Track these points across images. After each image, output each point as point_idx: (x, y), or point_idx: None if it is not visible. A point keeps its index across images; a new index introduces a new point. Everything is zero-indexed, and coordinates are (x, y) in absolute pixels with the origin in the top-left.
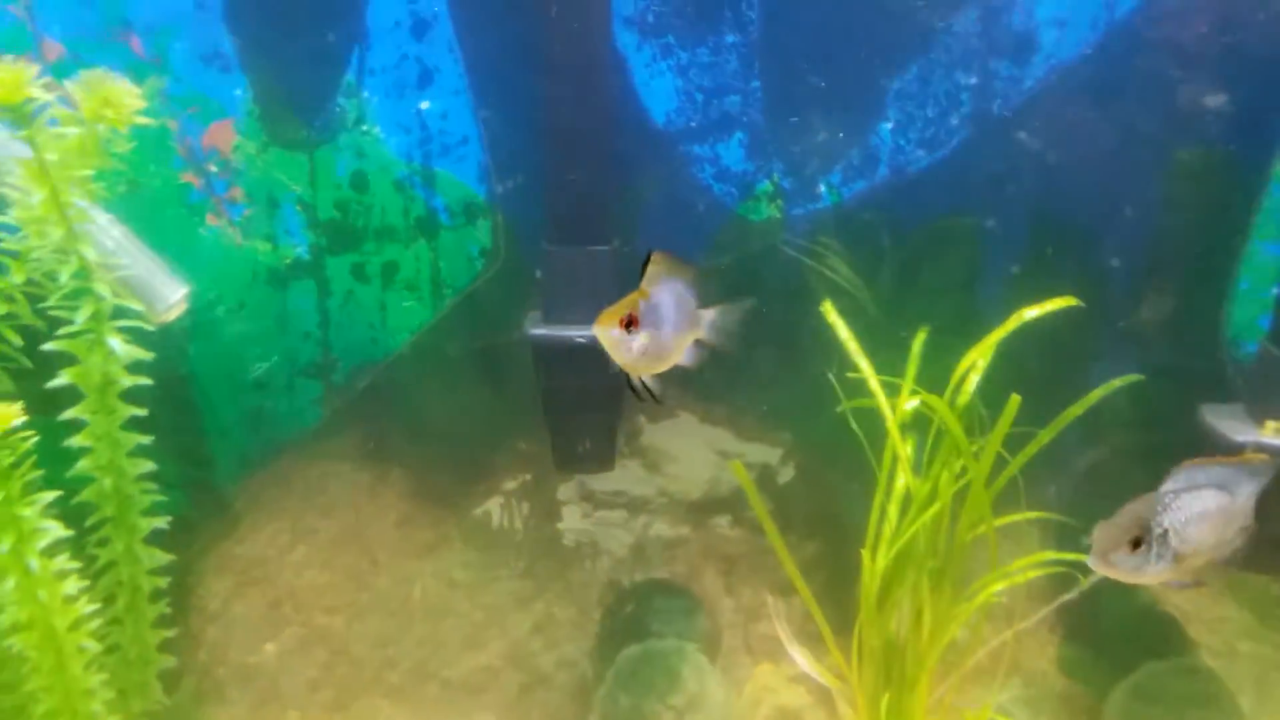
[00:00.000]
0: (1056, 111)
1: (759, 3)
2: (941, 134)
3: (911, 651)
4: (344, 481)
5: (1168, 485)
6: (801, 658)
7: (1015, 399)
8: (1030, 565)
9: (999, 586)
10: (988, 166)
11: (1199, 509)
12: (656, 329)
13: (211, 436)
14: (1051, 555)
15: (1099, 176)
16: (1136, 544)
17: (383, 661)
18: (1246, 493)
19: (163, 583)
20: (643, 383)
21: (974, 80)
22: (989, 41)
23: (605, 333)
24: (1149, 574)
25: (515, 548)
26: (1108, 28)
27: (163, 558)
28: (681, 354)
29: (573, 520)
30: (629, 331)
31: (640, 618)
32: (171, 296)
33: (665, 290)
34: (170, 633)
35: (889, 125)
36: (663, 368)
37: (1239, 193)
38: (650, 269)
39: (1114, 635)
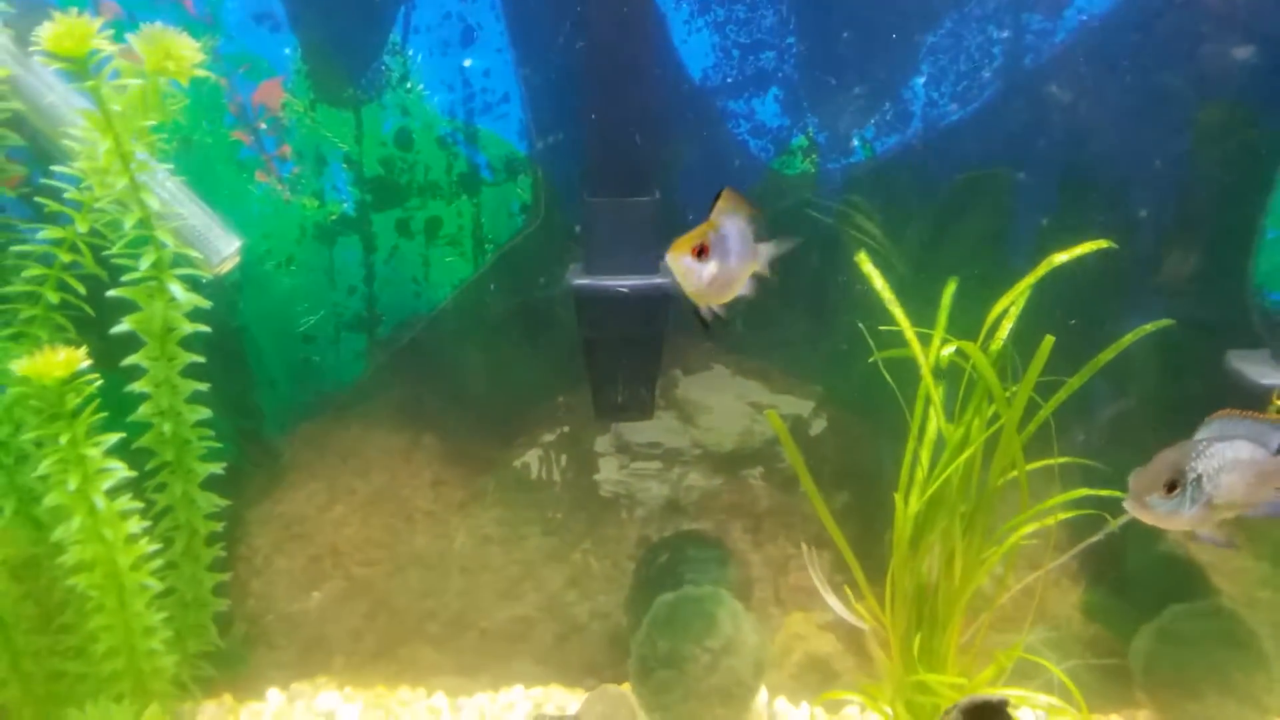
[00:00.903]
0: (1087, 65)
1: None
2: (974, 88)
3: (943, 594)
4: (380, 445)
5: (1201, 433)
6: (835, 601)
7: (1049, 339)
8: (1062, 504)
9: (1030, 529)
10: (1019, 119)
11: (1232, 456)
12: (724, 259)
13: (261, 388)
14: (1085, 492)
15: (1128, 129)
16: (1171, 487)
17: (422, 613)
18: (1275, 447)
19: (218, 527)
20: (711, 311)
21: (1006, 34)
22: None
23: (678, 260)
24: (1183, 519)
25: (553, 499)
26: None
27: (219, 502)
28: (743, 284)
29: (609, 472)
30: (700, 259)
31: (674, 568)
32: (226, 249)
33: (731, 224)
34: (225, 576)
35: (922, 79)
36: (728, 297)
37: (1265, 143)
38: (720, 203)
39: (1137, 581)
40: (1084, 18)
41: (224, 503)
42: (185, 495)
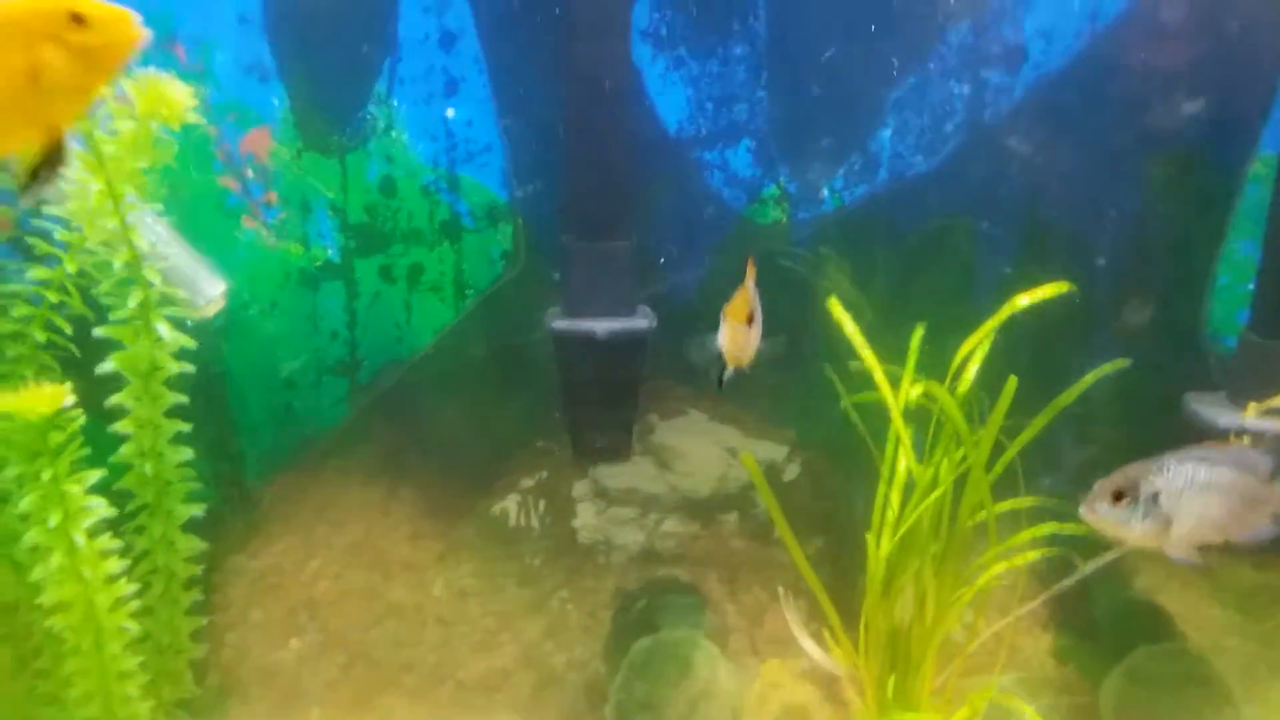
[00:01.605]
0: (1044, 118)
1: (765, 16)
2: (937, 140)
3: (916, 636)
4: (357, 497)
5: (1176, 453)
6: (811, 645)
7: (1012, 381)
8: (1030, 543)
9: (1000, 569)
10: (981, 171)
11: (1202, 479)
12: (758, 322)
13: (242, 432)
14: (1052, 527)
15: (1085, 180)
16: (1119, 497)
17: (399, 664)
18: (1269, 475)
19: (197, 571)
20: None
21: (967, 89)
22: (981, 53)
23: (737, 327)
24: (1135, 531)
25: (531, 547)
26: (1091, 38)
27: (198, 545)
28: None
29: (587, 518)
30: (749, 324)
31: (651, 615)
32: (212, 291)
33: (754, 288)
34: (202, 622)
35: (888, 132)
36: (752, 355)
37: (1216, 193)
38: (750, 269)
39: (1105, 625)
40: (1040, 74)
41: (203, 545)
42: (165, 538)
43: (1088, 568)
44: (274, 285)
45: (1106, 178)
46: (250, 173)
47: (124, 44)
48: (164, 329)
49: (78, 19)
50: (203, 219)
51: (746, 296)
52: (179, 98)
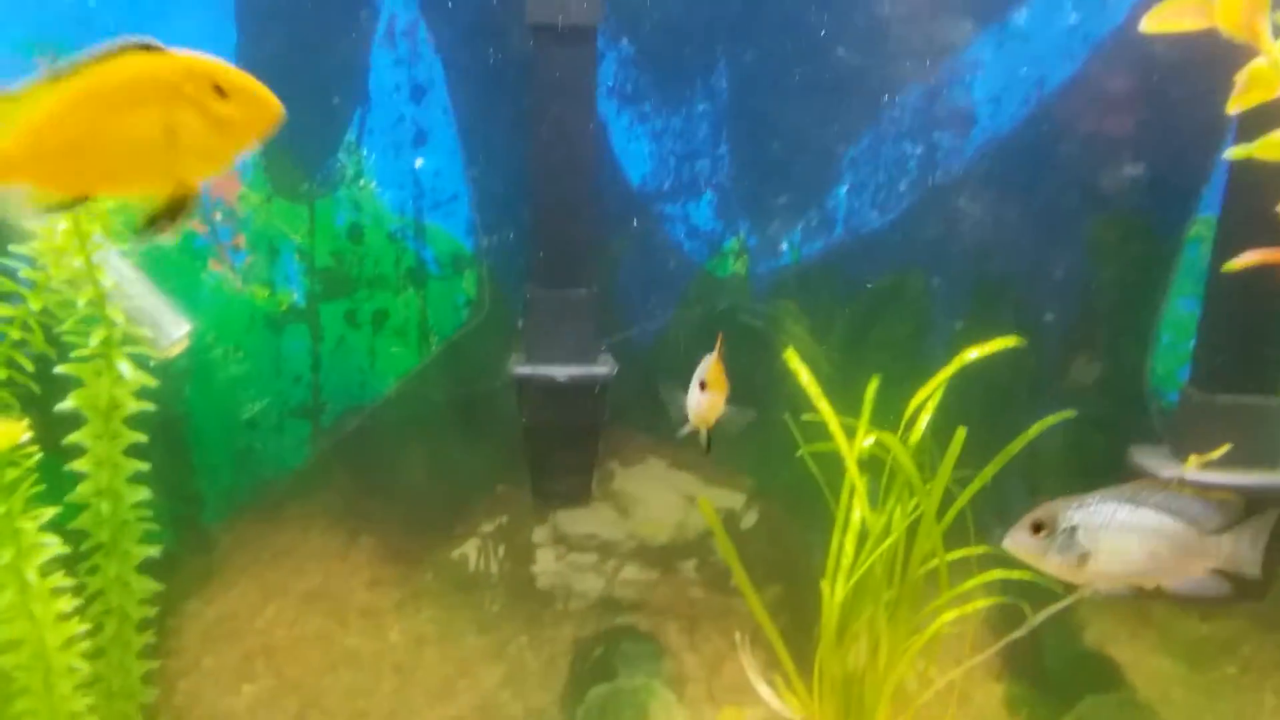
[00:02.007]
0: (993, 179)
1: (727, 75)
2: (891, 198)
3: (869, 682)
4: (317, 543)
5: (1104, 491)
6: (767, 692)
7: (961, 431)
8: (982, 592)
9: (951, 616)
10: (933, 228)
11: (1122, 519)
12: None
13: (202, 474)
14: (999, 574)
15: (1033, 239)
16: (1037, 529)
17: (353, 713)
18: (1213, 528)
19: (151, 613)
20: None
21: (920, 150)
22: (932, 115)
23: (716, 396)
24: (1050, 563)
25: (490, 591)
26: (1038, 104)
27: (153, 586)
28: None
29: (546, 563)
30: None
31: (608, 662)
32: (176, 332)
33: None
34: (154, 665)
35: (844, 189)
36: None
37: (1158, 254)
38: (719, 343)
39: (1056, 674)
40: (989, 137)
41: (158, 587)
42: (119, 578)
43: (1037, 618)
44: (239, 328)
45: (1053, 237)
46: (219, 216)
47: (260, 121)
48: (125, 367)
49: (220, 90)
50: (170, 261)
51: (721, 368)
52: None
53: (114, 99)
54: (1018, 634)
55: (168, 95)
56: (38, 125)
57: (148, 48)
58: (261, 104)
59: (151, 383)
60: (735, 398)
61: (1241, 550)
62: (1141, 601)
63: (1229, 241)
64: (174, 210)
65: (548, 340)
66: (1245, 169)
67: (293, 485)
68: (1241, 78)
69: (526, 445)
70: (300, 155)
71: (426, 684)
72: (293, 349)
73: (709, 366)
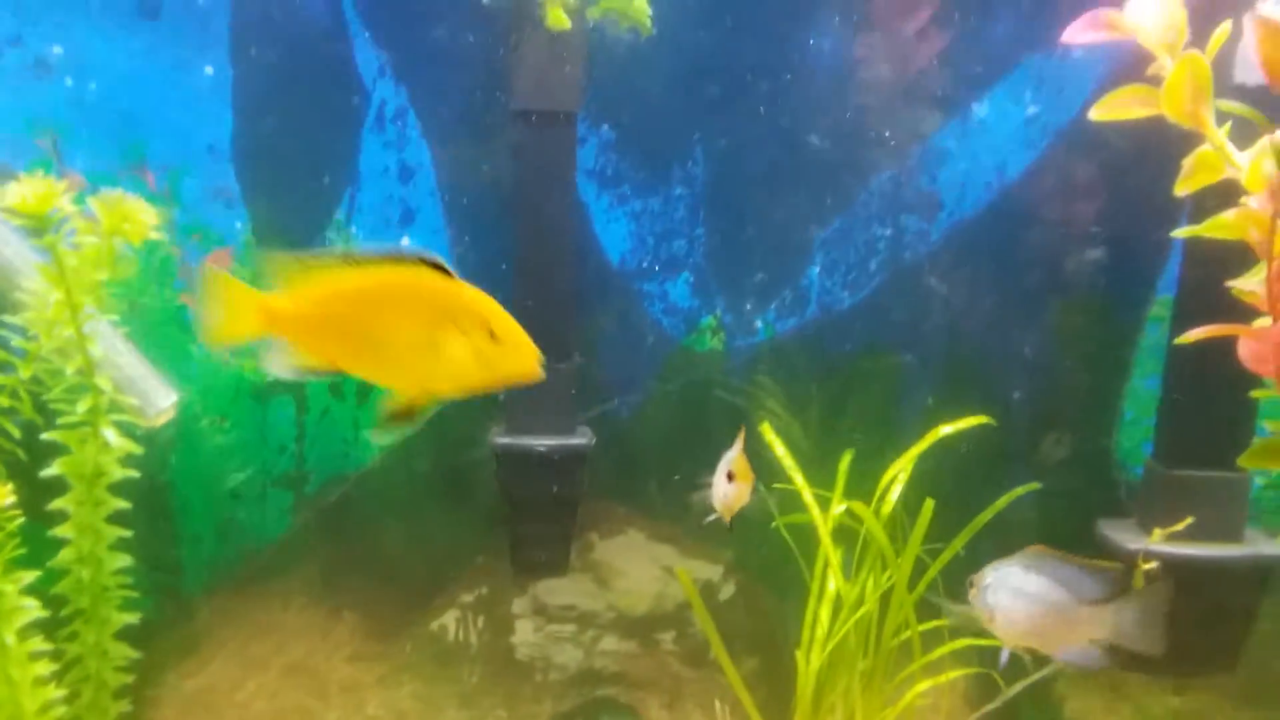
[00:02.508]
0: (959, 260)
1: (703, 160)
2: (862, 278)
3: None
4: (297, 618)
5: (1017, 555)
6: None
7: (929, 502)
8: (952, 660)
9: (924, 686)
10: (903, 307)
11: (1014, 583)
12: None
13: (184, 543)
14: (969, 641)
15: (999, 319)
16: (971, 586)
17: None
18: (1095, 598)
19: (128, 680)
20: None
21: (888, 232)
22: (900, 200)
23: (746, 487)
24: (984, 619)
25: (469, 663)
26: (1000, 190)
27: (130, 654)
28: None
29: (525, 634)
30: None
31: None
32: (163, 402)
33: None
34: None
35: (816, 269)
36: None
37: (1120, 334)
38: (741, 435)
39: None
40: (954, 219)
41: (135, 654)
42: (97, 645)
43: (1011, 691)
44: (225, 398)
45: (1019, 317)
46: None
47: (519, 371)
48: (111, 434)
49: (493, 334)
50: (161, 333)
51: (746, 459)
52: (143, 217)
53: (395, 303)
54: (992, 706)
55: (444, 320)
56: (319, 297)
57: (439, 267)
58: (525, 357)
59: (137, 450)
60: (713, 470)
61: (1125, 622)
62: (1117, 675)
63: (1185, 319)
64: (412, 413)
65: (528, 412)
66: (1197, 248)
67: (275, 556)
68: (1188, 163)
69: (506, 516)
70: (290, 232)
71: None
72: (278, 419)
73: (735, 459)
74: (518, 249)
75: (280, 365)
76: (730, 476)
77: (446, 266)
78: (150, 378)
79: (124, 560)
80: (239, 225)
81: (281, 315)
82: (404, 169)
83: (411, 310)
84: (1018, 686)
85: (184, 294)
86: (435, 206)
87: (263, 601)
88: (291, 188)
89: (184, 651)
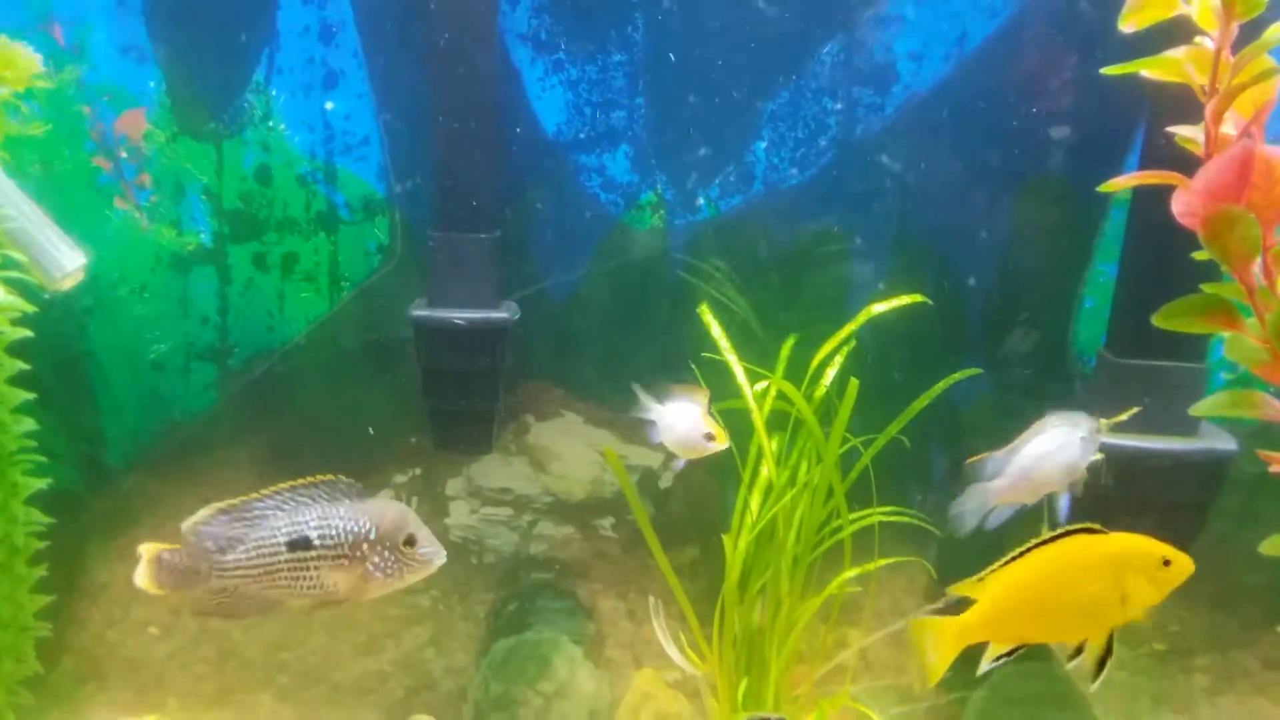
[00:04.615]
0: (914, 137)
1: (643, 25)
2: (811, 154)
3: (771, 640)
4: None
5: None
6: (674, 651)
7: (854, 383)
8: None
9: (852, 573)
10: (853, 186)
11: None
12: None
13: (106, 414)
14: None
15: (955, 200)
16: None
17: (274, 665)
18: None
19: (41, 545)
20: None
21: (839, 106)
22: (852, 71)
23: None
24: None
25: None
26: (959, 61)
27: (42, 519)
28: None
29: (460, 516)
30: None
31: (524, 618)
32: (69, 265)
33: None
34: (47, 599)
35: (763, 144)
36: None
37: (1083, 218)
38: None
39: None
40: (910, 93)
41: (49, 520)
42: (5, 509)
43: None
44: (144, 267)
45: (977, 199)
46: (124, 154)
47: (1177, 577)
48: (2, 293)
49: (1166, 562)
50: (74, 196)
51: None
52: (23, 62)
53: (1069, 574)
54: (932, 608)
55: (1122, 569)
56: (997, 599)
57: (1092, 530)
58: (1186, 571)
59: (29, 308)
60: (654, 353)
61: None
62: None
63: (1143, 202)
64: (1108, 652)
65: (448, 283)
66: (1160, 119)
67: (200, 430)
68: None
69: (425, 390)
70: (206, 94)
71: (354, 639)
72: (200, 290)
73: (709, 419)
74: (436, 113)
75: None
76: (710, 437)
77: (1096, 527)
78: (57, 240)
79: (28, 424)
80: (152, 85)
81: (975, 629)
82: (325, 28)
83: (1085, 574)
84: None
85: (97, 156)
86: (359, 69)
87: (190, 479)
88: (206, 45)
89: (113, 529)
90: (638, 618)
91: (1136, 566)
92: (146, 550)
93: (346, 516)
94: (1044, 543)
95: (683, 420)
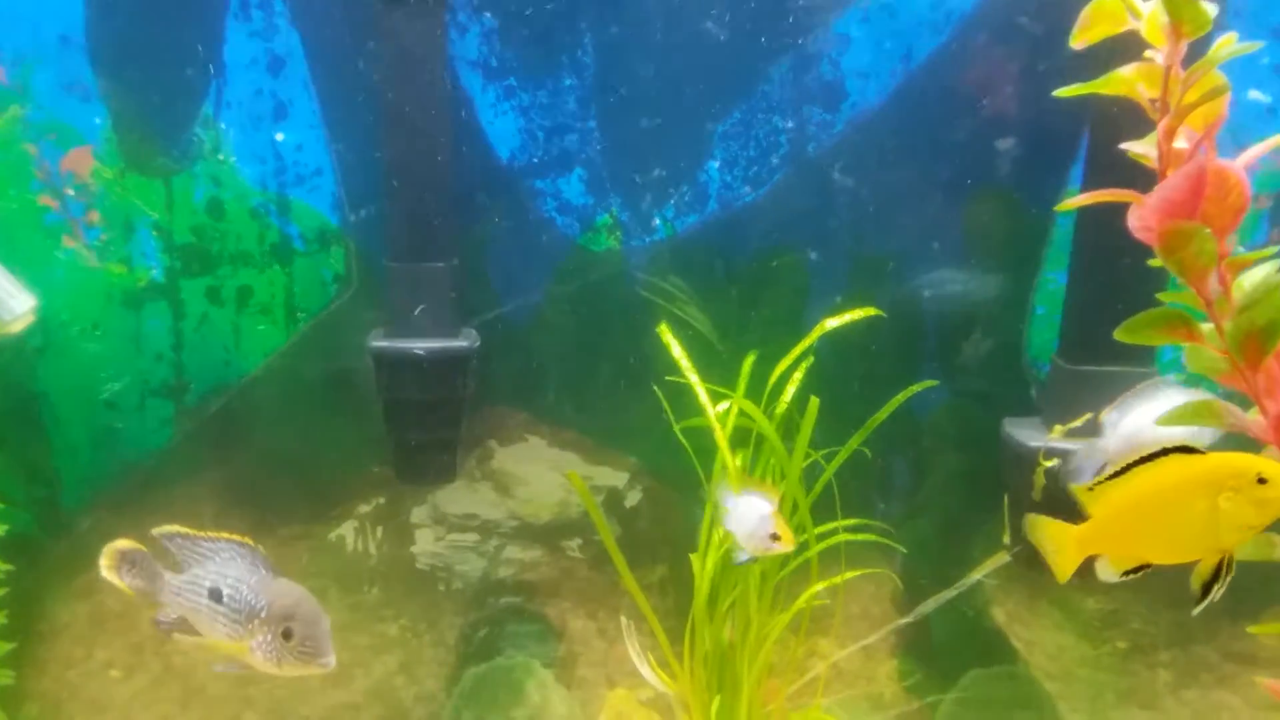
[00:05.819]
0: (864, 153)
1: (593, 49)
2: (764, 172)
3: (742, 656)
4: (196, 516)
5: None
6: (646, 669)
7: (814, 401)
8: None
9: (819, 587)
10: (806, 202)
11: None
12: None
13: (60, 455)
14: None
15: (906, 213)
16: None
17: (240, 700)
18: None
19: (2, 592)
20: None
21: (790, 124)
22: (801, 89)
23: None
24: None
25: (369, 573)
26: (905, 77)
27: (2, 567)
28: None
29: (426, 544)
30: None
31: (494, 643)
32: (19, 307)
33: None
34: (8, 646)
35: (716, 164)
36: None
37: (1031, 227)
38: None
39: (944, 649)
40: (859, 109)
41: (6, 567)
42: None
43: (926, 606)
44: (95, 305)
45: (926, 212)
46: (71, 192)
47: None
48: None
49: (1262, 479)
50: (22, 237)
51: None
52: None
53: (1165, 494)
54: (909, 618)
55: (1216, 488)
56: (1105, 514)
57: (1189, 450)
58: None
59: None
60: (615, 374)
61: None
62: (1037, 580)
63: (1090, 210)
64: (1218, 575)
65: (405, 315)
66: (1104, 132)
67: (156, 468)
68: (1086, 12)
69: (386, 420)
70: (154, 129)
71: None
72: (153, 327)
73: (778, 517)
74: (386, 143)
75: (1107, 574)
76: (775, 538)
77: (1193, 446)
78: (6, 282)
79: None
80: (98, 121)
81: (1090, 541)
82: (273, 59)
83: (1181, 494)
84: (951, 592)
85: (43, 195)
86: (310, 100)
87: (149, 516)
88: (151, 80)
89: (71, 570)
90: (609, 636)
91: (1230, 485)
92: (119, 543)
93: (253, 587)
94: (1141, 461)
95: (751, 516)
